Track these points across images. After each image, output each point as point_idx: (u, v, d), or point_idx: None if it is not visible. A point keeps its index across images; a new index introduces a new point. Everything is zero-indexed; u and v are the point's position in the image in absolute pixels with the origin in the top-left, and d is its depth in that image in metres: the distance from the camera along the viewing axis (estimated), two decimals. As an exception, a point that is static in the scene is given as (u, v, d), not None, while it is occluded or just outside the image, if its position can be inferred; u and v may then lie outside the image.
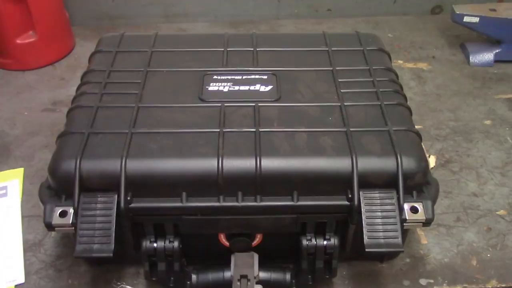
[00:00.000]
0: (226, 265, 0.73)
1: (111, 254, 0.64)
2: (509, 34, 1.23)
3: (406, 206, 0.68)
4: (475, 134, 1.05)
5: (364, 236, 0.66)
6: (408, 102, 0.82)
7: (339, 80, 0.81)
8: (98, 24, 1.42)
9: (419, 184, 0.69)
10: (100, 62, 0.85)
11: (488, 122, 1.09)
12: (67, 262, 0.81)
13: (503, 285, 0.77)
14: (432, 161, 0.98)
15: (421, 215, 0.68)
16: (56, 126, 1.07)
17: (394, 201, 0.67)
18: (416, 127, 0.76)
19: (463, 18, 1.22)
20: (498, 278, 0.78)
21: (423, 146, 0.74)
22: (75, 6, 1.38)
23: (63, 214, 0.68)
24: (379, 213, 0.67)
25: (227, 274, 0.73)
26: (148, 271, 0.73)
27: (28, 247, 0.83)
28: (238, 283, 0.68)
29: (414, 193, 0.70)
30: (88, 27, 1.41)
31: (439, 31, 1.41)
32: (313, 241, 0.72)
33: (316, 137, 0.71)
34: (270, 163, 0.68)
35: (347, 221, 0.70)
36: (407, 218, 0.67)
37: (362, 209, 0.67)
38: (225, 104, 0.76)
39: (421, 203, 0.69)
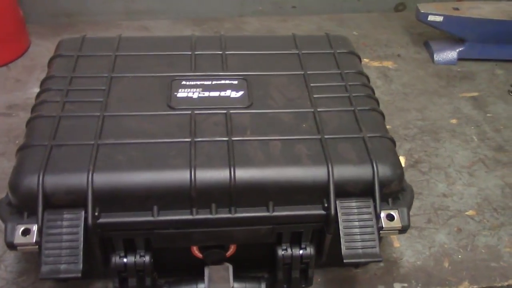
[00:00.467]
0: (199, 277, 0.71)
1: (80, 275, 0.61)
2: (472, 32, 1.25)
3: (383, 214, 0.67)
4: (442, 134, 1.06)
5: (342, 246, 0.65)
6: None
7: (311, 84, 0.80)
8: (54, 22, 1.36)
9: (395, 192, 0.69)
10: (60, 68, 0.81)
11: (454, 121, 1.10)
12: (30, 278, 0.77)
13: (475, 287, 0.78)
14: (401, 161, 0.98)
15: (397, 223, 0.68)
16: (12, 131, 1.02)
17: (371, 209, 0.66)
18: None
19: (427, 17, 1.23)
20: (470, 280, 0.78)
21: (397, 153, 0.73)
22: (30, 2, 1.31)
23: (25, 232, 0.64)
24: (356, 222, 0.66)
25: (201, 286, 0.71)
26: (118, 287, 0.70)
27: (-13, 264, 0.78)
28: (214, 299, 0.66)
29: (390, 200, 0.69)
30: (44, 25, 1.34)
31: (403, 28, 1.41)
32: (289, 251, 0.70)
33: (291, 145, 0.69)
34: (244, 174, 0.66)
35: (324, 230, 0.69)
36: (383, 226, 0.67)
37: (339, 219, 0.66)
38: (196, 112, 0.73)
39: (396, 211, 0.68)
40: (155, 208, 0.65)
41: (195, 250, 0.72)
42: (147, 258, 0.68)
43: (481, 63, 1.29)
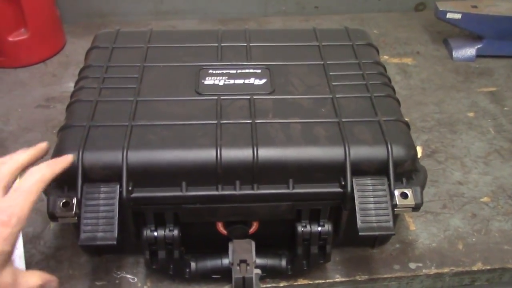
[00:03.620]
0: (223, 252, 0.76)
1: (115, 242, 0.67)
2: (490, 29, 1.28)
3: (397, 192, 0.71)
4: (459, 126, 1.09)
5: (358, 221, 0.69)
6: None
7: (330, 73, 0.84)
8: (88, 22, 1.44)
9: (408, 171, 0.73)
10: (97, 58, 0.87)
11: (471, 114, 1.13)
12: (66, 253, 0.83)
13: (488, 267, 0.81)
14: (418, 151, 1.01)
15: (410, 201, 0.71)
16: (50, 122, 1.09)
17: (385, 187, 0.70)
18: None
19: (446, 15, 1.26)
20: (483, 261, 0.81)
21: (411, 135, 0.77)
22: (66, 3, 1.39)
23: (66, 204, 0.70)
24: (371, 199, 0.70)
25: (225, 261, 0.76)
26: (149, 259, 0.75)
27: (28, 240, 0.84)
28: (238, 268, 0.71)
29: (404, 180, 0.73)
30: (78, 24, 1.42)
31: (422, 27, 1.45)
32: (308, 228, 0.75)
33: (310, 127, 0.74)
34: (266, 153, 0.70)
35: (341, 208, 0.73)
36: (397, 203, 0.71)
37: (355, 195, 0.70)
38: (221, 97, 0.79)
39: (410, 189, 0.72)
40: (184, 184, 0.70)
41: (220, 227, 0.77)
42: (175, 232, 0.73)
43: (499, 59, 1.31)
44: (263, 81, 0.82)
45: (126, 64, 0.86)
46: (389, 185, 0.71)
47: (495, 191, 0.94)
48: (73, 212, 0.69)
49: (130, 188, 0.70)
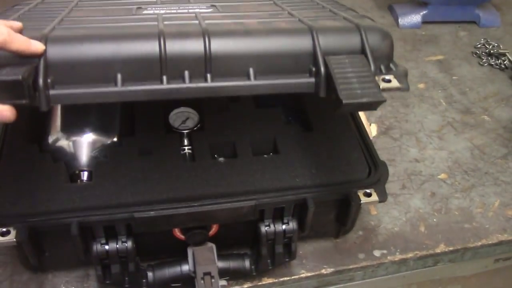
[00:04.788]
0: (182, 259, 0.71)
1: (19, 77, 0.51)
2: (436, -5, 1.25)
3: (377, 78, 0.60)
4: (411, 99, 1.08)
5: (338, 91, 0.55)
6: None
7: (282, 5, 0.75)
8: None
9: (386, 58, 0.63)
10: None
11: (421, 85, 1.11)
12: (6, 271, 0.74)
13: (451, 248, 0.80)
14: (373, 129, 0.99)
15: (394, 84, 0.60)
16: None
17: (366, 62, 0.60)
18: None
19: None
20: (445, 242, 0.81)
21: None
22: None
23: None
24: (351, 73, 0.58)
25: (185, 267, 0.71)
26: (101, 275, 0.68)
27: (-41, 259, 0.75)
28: (202, 282, 0.66)
29: (382, 67, 0.62)
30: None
31: (366, -8, 1.41)
32: (272, 227, 0.71)
33: (269, 23, 0.65)
34: (220, 43, 0.58)
35: (306, 203, 0.69)
36: (380, 86, 0.59)
37: (330, 69, 0.57)
38: (163, 15, 0.67)
39: (392, 75, 0.61)
40: (119, 77, 0.56)
41: (177, 232, 0.71)
42: (129, 244, 0.67)
43: (445, 25, 1.30)
44: (209, 9, 0.72)
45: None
46: (368, 62, 0.59)
47: (451, 166, 0.93)
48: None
49: (48, 81, 0.54)
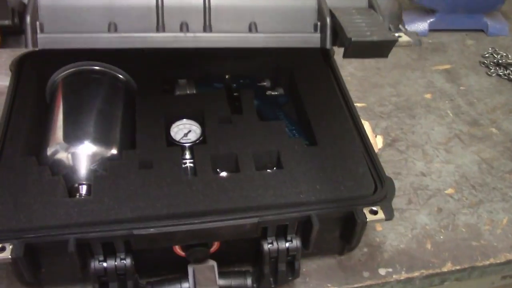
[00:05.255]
0: (183, 276, 0.69)
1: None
2: (443, 3, 1.23)
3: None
4: (417, 109, 1.06)
5: (346, 31, 0.52)
6: (349, 78, 0.76)
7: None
8: None
9: (395, 17, 0.62)
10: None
11: (428, 95, 1.09)
12: (1, 287, 0.73)
13: (458, 267, 0.78)
14: (379, 141, 0.97)
15: (405, 38, 0.59)
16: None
17: (375, 14, 0.57)
18: (359, 105, 0.71)
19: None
20: (452, 261, 0.79)
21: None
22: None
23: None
24: (359, 20, 0.55)
25: (185, 285, 0.69)
26: (99, 292, 0.67)
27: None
28: (203, 303, 0.64)
29: (391, 27, 0.61)
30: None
31: (372, -1, 1.39)
32: (275, 245, 0.69)
33: None
34: None
35: (310, 220, 0.67)
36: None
37: (337, 18, 0.54)
38: None
39: (401, 32, 0.60)
40: (113, 25, 0.54)
41: (177, 248, 0.69)
42: (128, 261, 0.65)
43: (452, 33, 1.28)
44: None
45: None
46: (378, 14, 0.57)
47: (458, 181, 0.91)
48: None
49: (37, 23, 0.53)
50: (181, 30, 0.56)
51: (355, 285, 0.75)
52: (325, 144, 0.77)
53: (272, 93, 0.90)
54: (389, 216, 0.69)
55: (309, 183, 0.71)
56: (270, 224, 0.67)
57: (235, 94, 0.86)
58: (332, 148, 0.77)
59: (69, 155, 0.72)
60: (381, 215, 0.69)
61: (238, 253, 0.73)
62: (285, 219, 0.68)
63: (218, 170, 0.75)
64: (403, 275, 0.77)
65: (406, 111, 1.05)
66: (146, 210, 0.67)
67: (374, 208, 0.69)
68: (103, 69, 0.81)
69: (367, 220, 0.68)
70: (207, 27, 0.56)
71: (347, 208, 0.69)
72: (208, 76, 0.89)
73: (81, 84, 0.80)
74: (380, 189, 0.72)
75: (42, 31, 0.53)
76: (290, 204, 0.69)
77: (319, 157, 0.75)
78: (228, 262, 0.73)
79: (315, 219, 0.67)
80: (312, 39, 0.57)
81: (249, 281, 0.71)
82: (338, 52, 0.81)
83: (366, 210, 0.69)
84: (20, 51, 0.86)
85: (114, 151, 0.74)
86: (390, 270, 0.77)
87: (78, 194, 0.70)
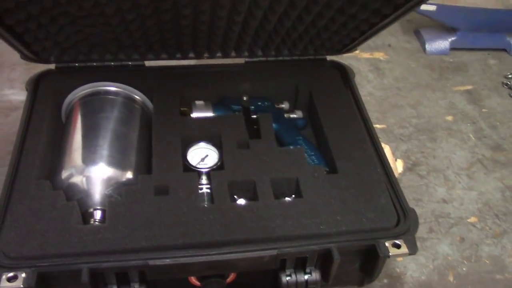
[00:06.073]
0: (198, 306, 0.67)
1: None
2: (465, 21, 1.21)
3: None
4: (438, 132, 1.03)
5: None
6: (368, 98, 0.75)
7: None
8: None
9: None
10: None
11: (449, 118, 1.07)
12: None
13: (481, 302, 0.76)
14: (399, 165, 0.94)
15: None
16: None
17: None
18: (379, 126, 0.71)
19: (420, 6, 1.17)
20: (476, 295, 0.76)
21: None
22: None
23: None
24: None
25: (200, 316, 0.67)
26: (112, 323, 0.65)
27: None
28: None
29: None
30: None
31: (392, 15, 1.36)
32: (294, 277, 0.66)
33: None
34: None
35: (331, 253, 0.65)
36: None
37: None
38: None
39: None
40: None
41: (193, 279, 0.67)
42: (142, 292, 0.64)
43: (473, 52, 1.25)
44: None
45: None
46: None
47: (481, 209, 0.89)
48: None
49: None
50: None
51: (375, 319, 0.73)
52: (346, 172, 0.75)
53: (291, 115, 0.88)
54: (413, 250, 0.66)
55: (330, 214, 0.69)
56: (289, 256, 0.65)
57: (253, 116, 0.84)
58: (353, 177, 0.74)
59: (84, 179, 0.71)
60: (404, 249, 0.66)
61: (255, 284, 0.71)
62: (305, 251, 0.65)
63: (235, 196, 0.73)
64: (425, 309, 0.74)
65: (427, 133, 1.02)
66: (162, 239, 0.65)
67: (397, 242, 0.66)
68: (119, 89, 0.80)
69: (390, 254, 0.65)
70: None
71: (369, 241, 0.67)
72: (225, 97, 0.87)
73: (97, 105, 0.78)
74: (403, 221, 0.70)
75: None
76: (310, 236, 0.67)
77: (339, 186, 0.73)
78: (244, 292, 0.71)
79: (335, 252, 0.65)
80: None
81: (265, 314, 0.69)
82: (356, 71, 0.80)
83: (388, 244, 0.66)
84: (35, 69, 0.85)
85: (129, 175, 0.72)
86: (411, 303, 0.75)
87: (92, 220, 0.69)
